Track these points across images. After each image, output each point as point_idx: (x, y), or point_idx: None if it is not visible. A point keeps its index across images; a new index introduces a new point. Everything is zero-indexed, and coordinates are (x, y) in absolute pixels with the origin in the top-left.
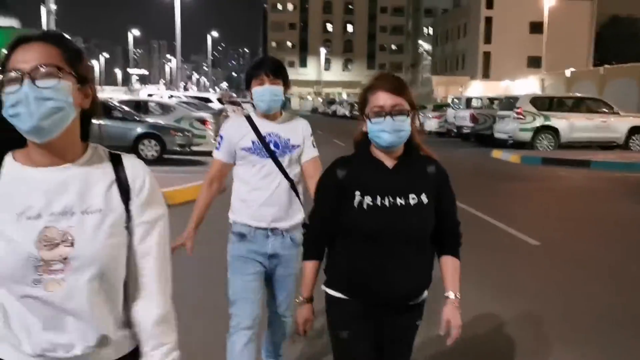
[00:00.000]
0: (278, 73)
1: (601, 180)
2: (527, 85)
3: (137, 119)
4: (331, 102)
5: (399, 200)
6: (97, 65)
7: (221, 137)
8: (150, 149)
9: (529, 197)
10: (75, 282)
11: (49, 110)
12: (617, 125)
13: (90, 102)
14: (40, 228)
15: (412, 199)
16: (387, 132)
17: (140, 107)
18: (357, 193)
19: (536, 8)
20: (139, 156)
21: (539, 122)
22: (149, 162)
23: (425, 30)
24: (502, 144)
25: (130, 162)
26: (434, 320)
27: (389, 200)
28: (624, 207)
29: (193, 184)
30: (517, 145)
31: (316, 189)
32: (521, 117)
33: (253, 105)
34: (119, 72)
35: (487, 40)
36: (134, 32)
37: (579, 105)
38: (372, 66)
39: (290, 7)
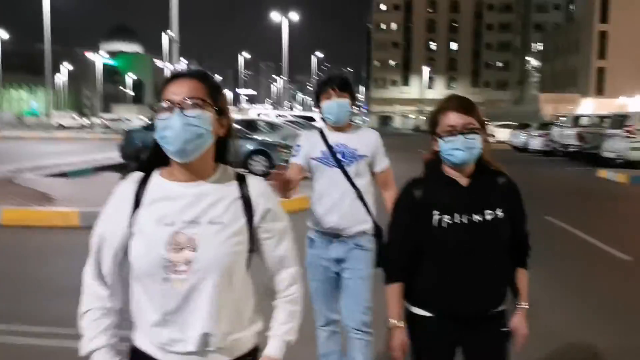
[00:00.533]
0: (344, 87)
1: None
2: None
3: (248, 136)
4: None
5: (476, 217)
6: None
7: (298, 146)
8: (259, 164)
9: (633, 216)
10: (196, 283)
11: (192, 135)
12: None
13: (226, 130)
14: (172, 233)
15: (488, 215)
16: (459, 149)
17: (251, 125)
18: (436, 212)
19: None
20: (250, 171)
21: None
22: (259, 176)
23: (534, 46)
24: (610, 164)
25: (254, 182)
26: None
27: (467, 217)
28: None
29: (300, 195)
30: (627, 165)
31: (393, 210)
32: (632, 135)
33: (323, 121)
34: (229, 93)
35: (601, 55)
36: (244, 55)
37: None
38: (476, 84)
39: (393, 26)
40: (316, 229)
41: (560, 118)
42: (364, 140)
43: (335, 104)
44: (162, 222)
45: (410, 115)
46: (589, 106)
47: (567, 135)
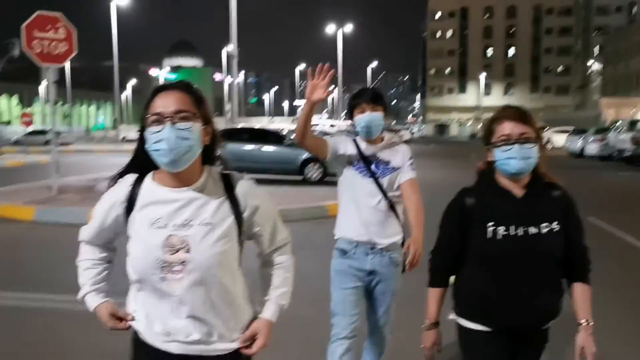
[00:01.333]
0: (377, 101)
1: None
2: None
3: None
4: None
5: (532, 229)
6: (268, 97)
7: (333, 137)
8: (314, 171)
9: None
10: (191, 281)
11: (185, 147)
12: None
13: (210, 138)
14: (166, 236)
15: (544, 228)
16: (515, 158)
17: None
18: (491, 223)
19: None
20: (305, 178)
21: None
22: (313, 183)
23: (596, 49)
24: None
25: (239, 181)
26: (559, 350)
27: (522, 229)
28: None
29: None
30: None
31: (442, 217)
32: None
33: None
34: (286, 104)
35: None
36: (300, 66)
37: None
38: (535, 89)
39: (449, 34)
40: (351, 240)
41: (617, 123)
42: (396, 154)
43: (368, 117)
44: (155, 225)
45: (467, 123)
46: None
47: (622, 140)
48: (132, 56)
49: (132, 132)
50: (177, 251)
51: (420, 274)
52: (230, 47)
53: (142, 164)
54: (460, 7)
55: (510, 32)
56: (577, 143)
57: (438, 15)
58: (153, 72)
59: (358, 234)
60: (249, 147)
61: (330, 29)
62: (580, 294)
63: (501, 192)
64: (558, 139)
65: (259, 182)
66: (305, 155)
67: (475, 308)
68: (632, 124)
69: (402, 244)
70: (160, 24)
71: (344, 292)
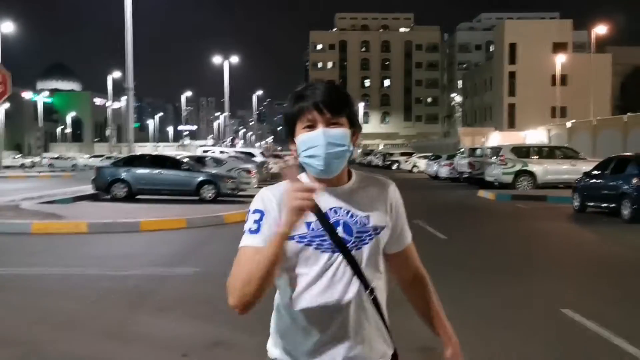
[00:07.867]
0: (340, 107)
1: (542, 209)
2: (538, 135)
3: (199, 169)
4: (367, 153)
5: None
6: (152, 123)
7: (259, 213)
8: (209, 192)
9: (475, 219)
10: None
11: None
12: (585, 169)
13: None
14: None
15: None
16: None
17: (200, 161)
18: None
19: (556, 62)
20: (201, 198)
21: (518, 167)
22: (208, 201)
23: (459, 83)
24: (492, 186)
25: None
26: None
27: None
28: (538, 223)
29: (239, 211)
30: (502, 186)
31: None
32: (503, 163)
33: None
34: (170, 129)
35: (511, 92)
36: (186, 92)
37: (553, 152)
38: (408, 118)
39: (329, 64)
40: None
41: (461, 149)
42: (379, 199)
43: (321, 137)
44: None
45: None
46: (496, 138)
47: (462, 164)
48: None
49: (8, 159)
50: None
51: None
52: (127, 81)
53: None
54: (339, 40)
55: (385, 64)
56: (434, 167)
57: (319, 47)
58: (27, 95)
59: (314, 357)
60: (150, 170)
61: (216, 59)
62: None
63: None
64: (421, 163)
65: (161, 201)
66: (200, 178)
67: None
68: (472, 150)
69: None
70: (30, 45)
71: None
